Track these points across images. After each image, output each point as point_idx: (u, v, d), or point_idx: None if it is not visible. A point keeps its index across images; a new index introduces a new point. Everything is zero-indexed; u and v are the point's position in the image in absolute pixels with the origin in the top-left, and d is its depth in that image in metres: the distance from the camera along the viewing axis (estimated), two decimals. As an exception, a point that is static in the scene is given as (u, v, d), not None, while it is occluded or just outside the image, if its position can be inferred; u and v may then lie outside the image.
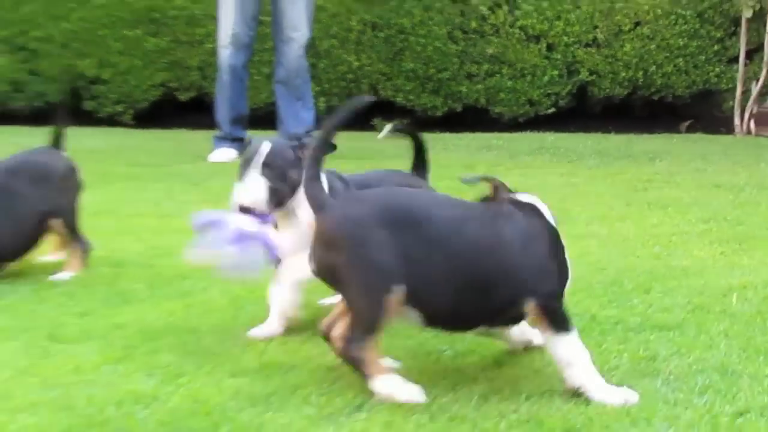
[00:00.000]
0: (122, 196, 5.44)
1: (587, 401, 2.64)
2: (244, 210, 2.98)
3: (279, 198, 3.04)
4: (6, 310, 3.36)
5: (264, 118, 7.57)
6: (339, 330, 2.81)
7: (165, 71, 8.31)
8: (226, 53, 6.91)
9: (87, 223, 4.25)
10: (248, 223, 2.98)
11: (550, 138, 8.12)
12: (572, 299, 3.59)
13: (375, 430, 2.45)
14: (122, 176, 6.01)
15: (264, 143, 3.06)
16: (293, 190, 3.08)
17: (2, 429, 2.43)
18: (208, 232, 2.96)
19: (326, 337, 2.89)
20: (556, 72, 8.52)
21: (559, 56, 8.51)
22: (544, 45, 8.49)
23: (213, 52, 7.67)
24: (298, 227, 3.12)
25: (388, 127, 3.70)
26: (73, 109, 8.19)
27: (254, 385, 2.74)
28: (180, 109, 8.39)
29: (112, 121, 8.23)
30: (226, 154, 6.90)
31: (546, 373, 2.91)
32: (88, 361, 2.95)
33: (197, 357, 2.98)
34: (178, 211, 5.08)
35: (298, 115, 6.97)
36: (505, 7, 8.42)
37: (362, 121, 8.25)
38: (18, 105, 8.35)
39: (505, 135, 8.19)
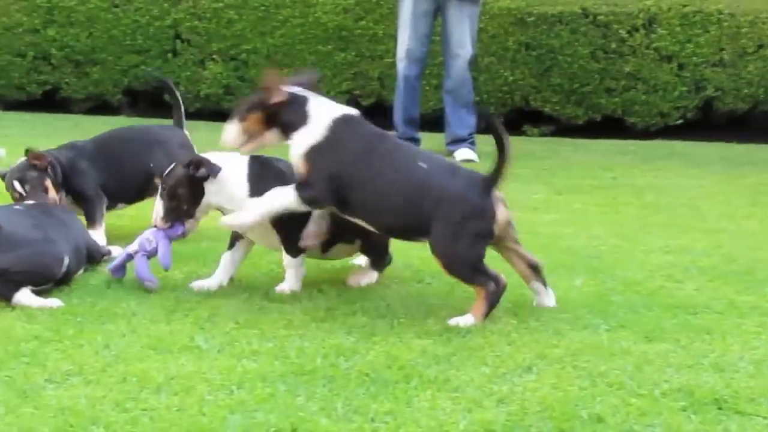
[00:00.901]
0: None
1: (735, 374, 2.64)
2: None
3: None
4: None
5: (431, 121, 7.63)
6: None
7: (350, 80, 8.45)
8: (401, 65, 7.02)
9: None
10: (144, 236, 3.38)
11: (678, 146, 7.99)
12: (710, 285, 3.60)
13: (544, 389, 2.52)
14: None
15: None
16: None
17: (230, 371, 2.57)
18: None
19: None
20: (685, 88, 8.35)
21: (688, 74, 8.34)
22: (676, 64, 8.33)
23: (391, 66, 7.81)
24: None
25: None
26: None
27: (437, 346, 2.84)
28: (363, 112, 8.44)
29: (305, 121, 8.41)
30: None
31: (692, 348, 2.90)
32: (298, 318, 3.09)
33: (388, 320, 3.10)
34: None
35: (463, 121, 7.03)
36: (642, 31, 8.27)
37: (514, 126, 8.27)
38: (228, 106, 8.56)
39: (639, 142, 8.10)
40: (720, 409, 2.43)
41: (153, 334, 2.85)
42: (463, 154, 6.92)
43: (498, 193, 3.21)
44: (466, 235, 3.12)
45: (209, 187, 3.29)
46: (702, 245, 4.35)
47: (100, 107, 8.71)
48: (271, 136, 3.30)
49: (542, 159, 7.01)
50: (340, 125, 3.28)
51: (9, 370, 2.54)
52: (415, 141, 7.14)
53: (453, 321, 3.04)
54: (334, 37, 8.38)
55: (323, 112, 3.28)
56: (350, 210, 3.23)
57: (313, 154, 3.20)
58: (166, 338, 2.83)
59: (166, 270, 3.34)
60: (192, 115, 8.52)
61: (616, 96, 8.39)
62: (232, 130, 3.31)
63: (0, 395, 2.36)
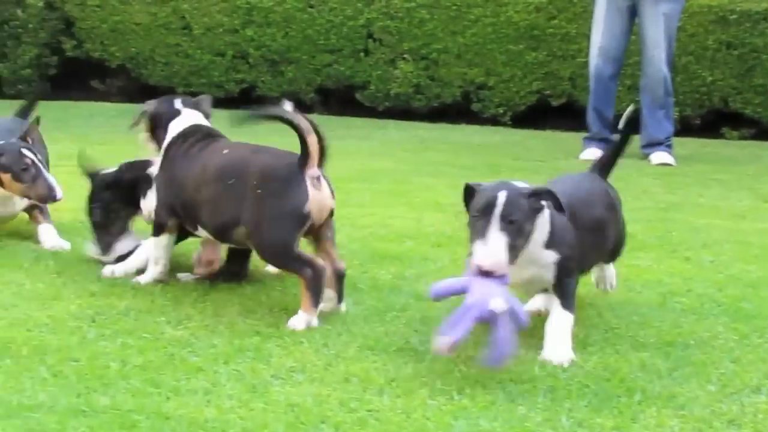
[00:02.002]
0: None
1: None
2: (485, 273, 2.52)
3: (516, 255, 2.59)
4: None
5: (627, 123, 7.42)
6: None
7: (541, 80, 8.36)
8: (594, 64, 6.87)
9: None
10: (492, 291, 2.51)
11: None
12: None
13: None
14: (509, 168, 6.09)
15: (500, 192, 2.59)
16: (526, 243, 2.65)
17: (448, 375, 2.56)
18: (453, 314, 2.54)
19: None
20: None
21: None
22: None
23: (584, 65, 7.66)
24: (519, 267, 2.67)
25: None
26: (463, 109, 8.48)
27: (656, 360, 2.76)
28: (552, 112, 8.41)
29: (494, 121, 8.40)
30: (594, 152, 6.85)
31: None
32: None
33: (600, 330, 3.03)
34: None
35: (660, 123, 6.82)
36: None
37: (711, 128, 8.00)
38: (417, 105, 8.66)
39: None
40: None
41: (368, 335, 2.88)
42: (659, 157, 6.72)
43: (317, 175, 3.00)
44: (274, 214, 2.98)
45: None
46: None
47: (294, 105, 8.88)
48: None
49: (744, 164, 6.73)
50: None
51: (236, 364, 2.61)
52: (609, 142, 6.99)
53: (290, 324, 2.93)
54: (525, 36, 8.30)
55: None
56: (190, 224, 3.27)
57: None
58: (382, 339, 2.84)
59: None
60: (381, 114, 8.70)
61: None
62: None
63: (231, 388, 2.43)
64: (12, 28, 9.20)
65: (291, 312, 3.02)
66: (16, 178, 3.69)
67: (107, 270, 3.47)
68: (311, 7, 8.73)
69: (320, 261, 3.00)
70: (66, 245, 3.82)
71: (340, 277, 3.10)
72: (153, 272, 3.35)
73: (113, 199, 3.66)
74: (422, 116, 8.55)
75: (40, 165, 3.73)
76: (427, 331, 2.92)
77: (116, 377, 2.48)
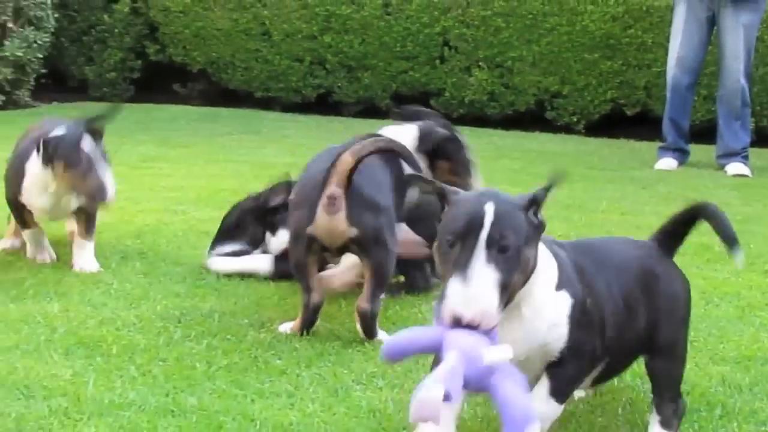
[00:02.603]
0: (585, 194, 5.46)
1: None
2: (464, 326, 1.76)
3: (511, 295, 1.82)
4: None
5: (700, 132, 7.34)
6: None
7: (615, 89, 8.29)
8: (671, 74, 6.78)
9: (560, 214, 4.39)
10: (473, 349, 1.75)
11: None
12: None
13: None
14: (582, 177, 6.03)
15: (487, 205, 1.82)
16: (527, 277, 1.86)
17: None
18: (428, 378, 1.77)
19: None
20: None
21: None
22: None
23: (659, 75, 7.60)
24: (520, 322, 1.91)
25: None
26: (537, 117, 8.44)
27: (735, 374, 2.70)
28: (626, 122, 8.33)
29: (568, 129, 8.35)
30: (669, 163, 6.79)
31: None
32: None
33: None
34: (633, 209, 5.11)
35: (737, 134, 6.71)
36: None
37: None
38: (491, 112, 8.63)
39: None
40: None
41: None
42: (735, 168, 6.61)
43: (334, 196, 2.75)
44: (290, 231, 2.95)
45: None
46: None
47: (369, 111, 8.95)
48: None
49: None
50: None
51: (318, 368, 2.62)
52: (684, 153, 6.90)
53: (282, 327, 2.93)
54: (600, 45, 8.23)
55: None
56: None
57: None
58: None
59: None
60: (455, 121, 8.65)
61: None
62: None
63: (313, 392, 2.45)
64: (99, 33, 9.38)
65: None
66: (69, 168, 3.33)
67: (214, 262, 3.55)
68: (388, 14, 8.75)
69: (317, 297, 2.88)
70: (95, 268, 3.51)
71: (360, 314, 2.87)
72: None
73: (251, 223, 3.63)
74: (496, 123, 8.52)
75: (97, 160, 3.38)
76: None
77: (202, 378, 2.52)
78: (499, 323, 1.80)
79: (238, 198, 3.78)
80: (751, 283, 3.67)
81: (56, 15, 8.84)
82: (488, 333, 1.77)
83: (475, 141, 7.75)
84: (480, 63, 8.58)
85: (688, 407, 2.41)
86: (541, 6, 8.33)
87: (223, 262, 3.53)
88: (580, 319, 1.95)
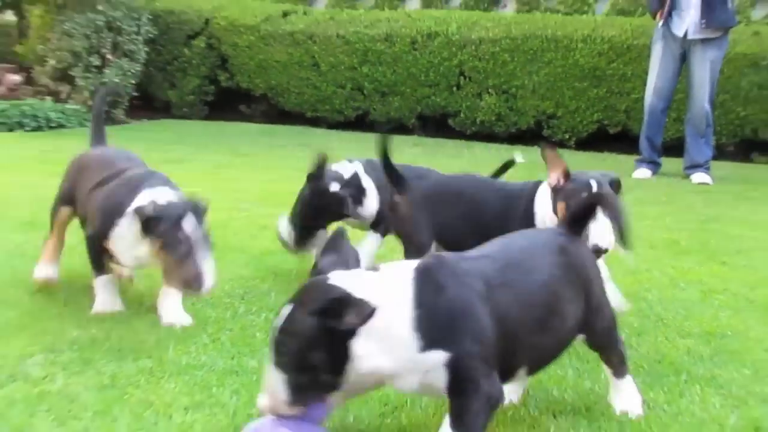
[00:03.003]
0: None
1: None
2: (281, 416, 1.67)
3: (313, 390, 1.65)
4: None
5: (670, 148, 7.25)
6: None
7: (600, 112, 8.21)
8: (649, 100, 6.71)
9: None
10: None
11: None
12: None
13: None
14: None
15: (279, 318, 1.66)
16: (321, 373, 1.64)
17: None
18: None
19: None
20: None
21: None
22: None
23: (636, 101, 7.53)
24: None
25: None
26: (536, 134, 8.37)
27: (699, 346, 2.67)
28: (610, 139, 8.25)
29: (561, 145, 8.24)
30: (645, 173, 6.73)
31: None
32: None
33: (651, 320, 2.94)
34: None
35: (701, 149, 6.64)
36: None
37: (743, 154, 7.72)
38: (498, 130, 8.59)
39: None
40: None
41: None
42: (699, 177, 6.53)
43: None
44: None
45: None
46: None
47: (398, 128, 8.93)
48: None
49: (771, 184, 6.50)
50: None
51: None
52: (657, 165, 6.83)
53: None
54: (588, 75, 8.16)
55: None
56: None
57: None
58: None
59: None
60: (469, 137, 8.66)
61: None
62: None
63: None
64: (180, 63, 9.45)
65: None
66: (165, 248, 2.53)
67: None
68: (415, 50, 8.73)
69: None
70: (186, 321, 2.69)
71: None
72: None
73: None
74: (502, 139, 8.46)
75: (198, 244, 2.54)
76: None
77: (261, 345, 2.51)
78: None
79: (292, 199, 3.76)
80: (711, 271, 3.62)
81: (146, 49, 8.91)
82: (313, 414, 1.69)
83: (485, 153, 7.83)
84: (489, 90, 8.53)
85: (660, 373, 2.39)
86: (540, 44, 8.26)
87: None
88: (460, 366, 1.65)
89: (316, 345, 1.60)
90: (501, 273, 1.78)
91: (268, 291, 3.08)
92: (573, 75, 8.20)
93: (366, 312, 1.58)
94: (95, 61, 8.28)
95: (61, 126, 7.84)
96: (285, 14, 9.40)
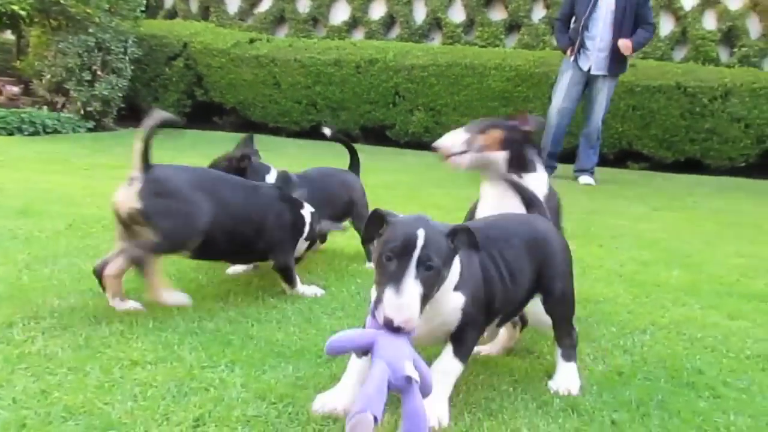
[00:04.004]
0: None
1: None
2: (394, 328, 1.55)
3: (425, 305, 1.59)
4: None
5: (562, 156, 7.35)
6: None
7: (508, 126, 8.25)
8: (555, 118, 6.74)
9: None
10: (402, 352, 1.56)
11: (743, 181, 7.43)
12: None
13: (657, 347, 2.37)
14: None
15: (419, 231, 1.57)
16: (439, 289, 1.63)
17: None
18: (367, 382, 1.53)
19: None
20: (749, 141, 7.71)
21: (752, 131, 7.70)
22: (743, 124, 7.71)
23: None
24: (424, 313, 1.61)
25: (327, 130, 3.10)
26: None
27: (578, 310, 2.65)
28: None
29: (476, 152, 8.30)
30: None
31: (766, 326, 2.63)
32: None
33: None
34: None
35: (589, 157, 6.75)
36: (720, 99, 7.69)
37: (621, 162, 7.86)
38: (427, 140, 8.53)
39: (712, 177, 7.56)
40: (792, 373, 2.20)
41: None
42: (585, 179, 6.65)
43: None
44: None
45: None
46: (766, 252, 3.98)
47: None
48: (498, 159, 2.28)
49: (641, 186, 6.65)
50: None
51: (299, 304, 2.57)
52: (554, 168, 6.91)
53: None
54: (499, 97, 8.22)
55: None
56: None
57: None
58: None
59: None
60: (403, 146, 8.64)
61: (697, 144, 7.85)
62: (457, 136, 2.32)
63: (294, 320, 2.40)
64: (162, 80, 9.22)
65: (339, 272, 3.00)
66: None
67: None
68: (359, 73, 8.69)
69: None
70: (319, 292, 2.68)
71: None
72: None
73: None
74: (430, 148, 8.44)
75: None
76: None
77: (219, 311, 2.46)
78: None
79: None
80: (590, 252, 3.67)
81: (132, 67, 8.65)
82: (409, 333, 1.57)
83: (415, 159, 7.83)
84: (419, 107, 8.54)
85: (544, 332, 2.39)
86: (461, 70, 8.30)
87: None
88: (470, 308, 1.72)
89: (448, 263, 1.61)
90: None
91: (225, 265, 3.01)
92: (486, 96, 8.25)
93: (473, 240, 1.64)
94: (87, 76, 8.01)
95: (56, 131, 7.57)
96: (251, 41, 9.26)
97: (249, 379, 1.89)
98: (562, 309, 1.97)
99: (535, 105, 8.01)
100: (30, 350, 2.01)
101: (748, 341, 2.44)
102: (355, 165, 3.34)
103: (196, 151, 7.05)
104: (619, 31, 6.37)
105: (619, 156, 8.03)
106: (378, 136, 8.80)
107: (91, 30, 8.03)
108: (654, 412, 1.85)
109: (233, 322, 2.34)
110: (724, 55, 8.79)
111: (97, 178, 5.02)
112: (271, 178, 3.05)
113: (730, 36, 8.77)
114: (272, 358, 2.05)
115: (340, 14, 10.01)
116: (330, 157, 5.23)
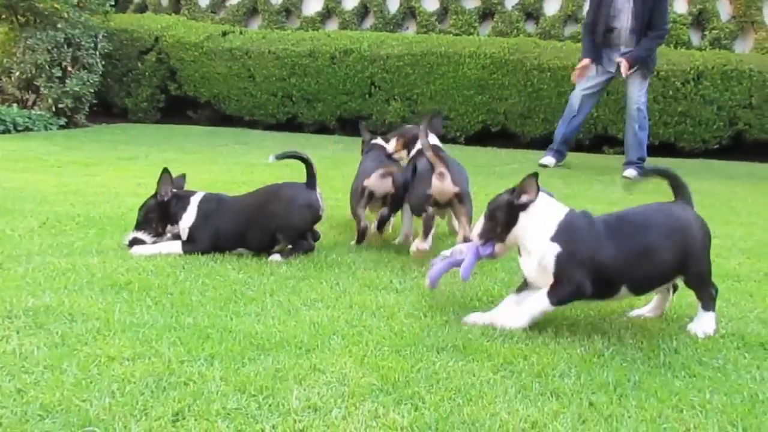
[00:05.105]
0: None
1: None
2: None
3: (493, 237, 2.37)
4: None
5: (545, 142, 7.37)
6: None
7: (484, 114, 8.29)
8: (574, 104, 6.59)
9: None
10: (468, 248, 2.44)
11: (716, 164, 7.47)
12: (748, 261, 3.32)
13: (634, 328, 2.38)
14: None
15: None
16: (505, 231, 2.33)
17: (418, 303, 2.49)
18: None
19: None
20: (722, 123, 7.79)
21: (725, 114, 7.78)
22: (716, 107, 7.78)
23: (513, 104, 7.56)
24: (528, 256, 2.30)
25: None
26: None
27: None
28: (492, 136, 8.35)
29: (453, 141, 8.30)
30: (549, 160, 6.75)
31: (740, 305, 2.69)
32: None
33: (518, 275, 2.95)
34: (494, 191, 5.07)
35: (630, 150, 6.58)
36: (692, 83, 7.76)
37: (597, 147, 7.90)
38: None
39: (686, 160, 7.62)
40: (765, 349, 2.25)
41: (366, 277, 2.84)
42: (626, 172, 6.43)
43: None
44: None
45: (523, 219, 2.30)
46: (739, 233, 4.04)
47: (322, 129, 8.86)
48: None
49: (616, 170, 6.68)
50: None
51: (278, 296, 2.58)
52: (562, 155, 6.80)
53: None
54: (474, 85, 8.22)
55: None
56: None
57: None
58: (374, 280, 2.80)
59: (464, 281, 2.49)
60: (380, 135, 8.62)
61: (670, 128, 7.91)
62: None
63: (273, 312, 2.40)
64: (134, 75, 9.09)
65: (317, 263, 3.00)
66: None
67: (135, 249, 3.08)
68: (334, 64, 8.64)
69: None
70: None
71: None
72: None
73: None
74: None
75: None
76: (405, 275, 2.89)
77: (197, 305, 2.45)
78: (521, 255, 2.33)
79: (232, 186, 3.67)
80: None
81: (103, 62, 8.53)
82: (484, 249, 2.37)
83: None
84: (395, 97, 8.51)
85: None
86: (436, 59, 8.29)
87: (141, 249, 3.07)
88: (565, 261, 2.20)
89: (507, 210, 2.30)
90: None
91: (205, 261, 3.00)
92: (462, 85, 8.25)
93: (530, 199, 2.28)
94: (57, 72, 7.89)
95: (27, 129, 7.45)
96: (224, 33, 9.16)
97: (228, 372, 1.89)
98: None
99: (510, 92, 8.03)
100: (5, 349, 1.99)
101: (722, 320, 2.48)
102: (310, 177, 3.12)
103: (170, 146, 7.00)
104: (639, 33, 6.23)
105: (595, 141, 8.09)
106: (355, 126, 8.68)
107: (59, 25, 7.90)
108: (631, 393, 1.87)
109: (211, 316, 2.33)
110: (695, 38, 8.88)
111: (70, 176, 4.96)
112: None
113: (701, 19, 8.86)
114: (252, 350, 2.05)
115: (313, 5, 9.94)
116: (308, 149, 5.21)
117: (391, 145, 3.50)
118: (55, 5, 7.77)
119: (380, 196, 3.29)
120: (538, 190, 2.31)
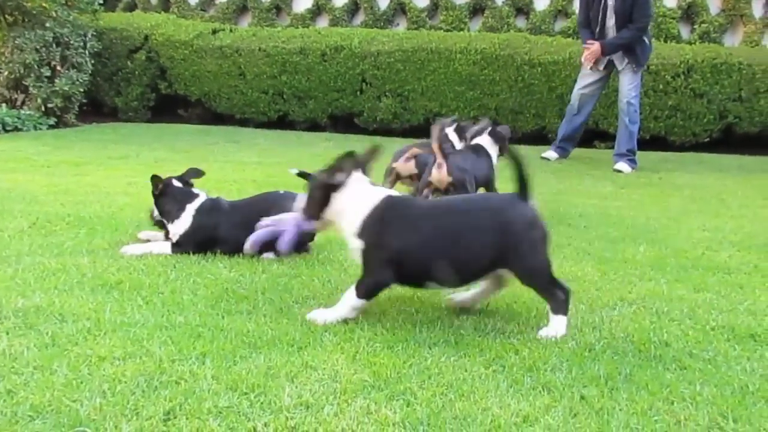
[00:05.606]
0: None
1: (764, 317, 2.44)
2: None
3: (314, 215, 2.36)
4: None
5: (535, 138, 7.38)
6: None
7: (476, 110, 8.28)
8: (574, 102, 6.69)
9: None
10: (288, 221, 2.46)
11: (706, 156, 7.50)
12: (738, 254, 3.34)
13: (625, 321, 2.40)
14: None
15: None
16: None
17: (410, 292, 2.47)
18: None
19: None
20: (712, 116, 7.83)
21: (715, 107, 7.81)
22: (706, 100, 7.81)
23: (504, 100, 7.57)
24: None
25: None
26: (425, 130, 8.37)
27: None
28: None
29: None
30: (551, 154, 6.78)
31: (730, 298, 2.70)
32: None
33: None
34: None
35: (620, 143, 6.60)
36: (682, 76, 7.79)
37: (588, 141, 7.90)
38: (395, 127, 8.59)
39: (677, 154, 7.65)
40: (755, 341, 2.25)
41: (357, 274, 2.80)
42: (616, 166, 6.47)
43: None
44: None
45: (336, 199, 2.29)
46: (729, 226, 4.06)
47: (313, 126, 8.84)
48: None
49: (608, 164, 6.70)
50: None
51: (270, 294, 2.57)
52: (566, 151, 6.86)
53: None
54: (465, 81, 8.22)
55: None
56: None
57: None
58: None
59: (282, 253, 2.66)
60: (371, 132, 8.62)
61: (661, 121, 7.94)
62: None
63: (265, 310, 2.39)
64: (124, 74, 9.06)
65: (310, 261, 2.99)
66: None
67: (126, 249, 3.08)
68: (325, 61, 8.62)
69: None
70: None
71: None
72: None
73: None
74: (399, 134, 8.44)
75: None
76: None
77: (189, 303, 2.44)
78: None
79: (222, 184, 3.66)
80: (559, 231, 3.68)
81: (92, 61, 8.49)
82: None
83: (389, 145, 7.79)
84: (387, 93, 8.51)
85: (515, 311, 2.41)
86: (427, 55, 8.28)
87: (133, 248, 3.07)
88: (368, 254, 2.21)
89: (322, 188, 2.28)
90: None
91: (196, 260, 2.99)
92: (453, 80, 8.25)
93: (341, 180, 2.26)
94: (46, 71, 7.84)
95: (16, 129, 7.42)
96: (214, 31, 9.13)
97: (220, 370, 1.89)
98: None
99: (501, 87, 8.04)
100: (-6, 351, 1.98)
101: (713, 313, 2.49)
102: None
103: (160, 145, 6.97)
104: (621, 29, 6.25)
105: (586, 136, 8.08)
106: (346, 123, 8.76)
107: (48, 24, 7.86)
108: (622, 386, 1.88)
109: (203, 315, 2.32)
110: (684, 31, 8.91)
111: (60, 176, 4.94)
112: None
113: (690, 13, 8.88)
114: (243, 348, 2.04)
115: (303, 2, 9.92)
116: (299, 147, 5.22)
117: (455, 138, 4.22)
118: (44, 4, 7.73)
119: (405, 176, 3.94)
120: (352, 171, 2.25)
